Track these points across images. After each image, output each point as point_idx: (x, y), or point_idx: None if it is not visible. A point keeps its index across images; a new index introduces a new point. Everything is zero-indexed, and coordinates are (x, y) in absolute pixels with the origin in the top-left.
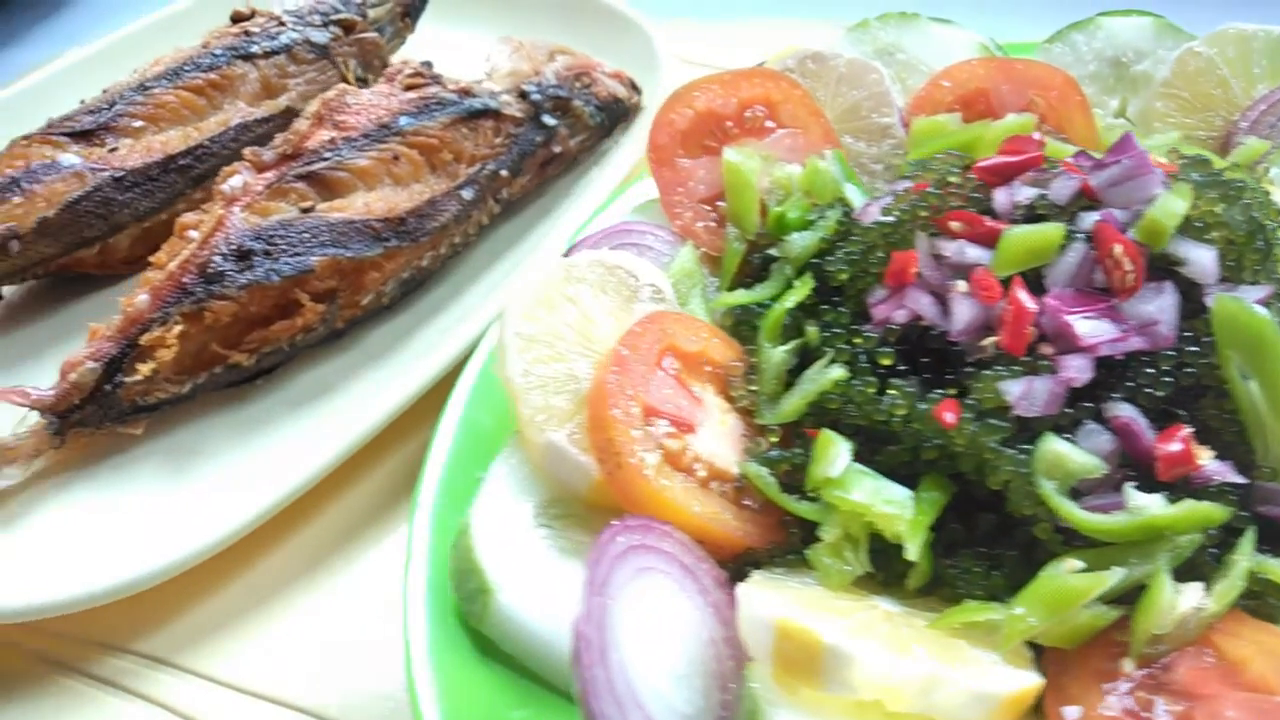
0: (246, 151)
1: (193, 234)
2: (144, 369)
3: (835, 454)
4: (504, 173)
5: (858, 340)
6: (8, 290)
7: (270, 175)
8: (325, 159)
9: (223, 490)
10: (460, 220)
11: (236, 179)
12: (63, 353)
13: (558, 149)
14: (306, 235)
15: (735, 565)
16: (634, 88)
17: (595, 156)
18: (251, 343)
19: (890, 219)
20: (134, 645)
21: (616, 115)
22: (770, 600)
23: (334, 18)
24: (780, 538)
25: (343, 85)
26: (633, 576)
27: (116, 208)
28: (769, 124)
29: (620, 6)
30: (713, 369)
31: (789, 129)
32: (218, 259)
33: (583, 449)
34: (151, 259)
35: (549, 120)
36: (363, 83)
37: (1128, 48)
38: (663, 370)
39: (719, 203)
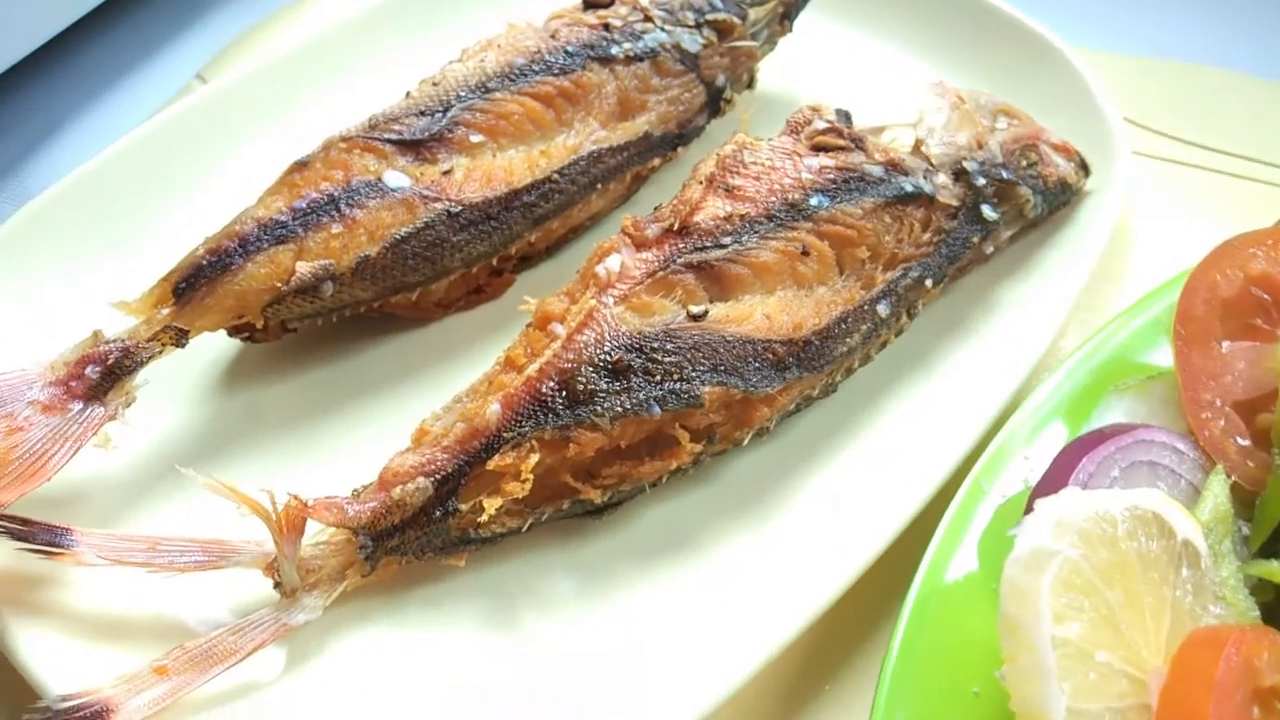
0: (626, 220)
1: (558, 328)
2: (490, 505)
3: None
4: (928, 282)
5: None
6: None
7: (652, 257)
8: (723, 246)
9: (585, 662)
10: (867, 341)
11: (614, 259)
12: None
13: (990, 249)
14: (697, 354)
15: None
16: (1083, 167)
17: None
18: (609, 478)
19: None
20: None
21: (1056, 205)
22: None
23: (709, 17)
24: None
25: (741, 137)
26: None
27: (447, 250)
28: None
29: (1044, 31)
30: None
31: None
32: (588, 371)
33: None
34: (507, 352)
35: (989, 212)
36: (728, 103)
37: None
38: None
39: (1262, 413)
